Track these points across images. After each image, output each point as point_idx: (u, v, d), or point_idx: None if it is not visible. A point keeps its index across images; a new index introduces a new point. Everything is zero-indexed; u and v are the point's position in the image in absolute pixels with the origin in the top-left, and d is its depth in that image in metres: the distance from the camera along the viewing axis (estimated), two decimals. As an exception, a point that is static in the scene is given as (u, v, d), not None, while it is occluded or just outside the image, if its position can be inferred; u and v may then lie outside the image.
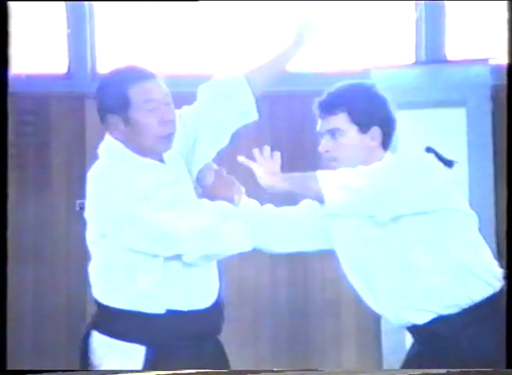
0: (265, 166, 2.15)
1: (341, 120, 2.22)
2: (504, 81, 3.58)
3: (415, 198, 2.12)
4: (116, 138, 2.17)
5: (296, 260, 3.82)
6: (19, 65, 3.84)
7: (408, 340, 3.60)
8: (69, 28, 3.92)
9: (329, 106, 2.24)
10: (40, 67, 3.91)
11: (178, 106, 2.24)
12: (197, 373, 2.10)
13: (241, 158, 2.16)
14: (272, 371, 2.32)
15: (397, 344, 3.60)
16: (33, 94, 3.81)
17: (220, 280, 2.23)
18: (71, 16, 3.91)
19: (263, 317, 3.81)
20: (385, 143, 2.24)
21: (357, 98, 2.23)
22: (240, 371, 2.20)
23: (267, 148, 2.20)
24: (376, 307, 2.28)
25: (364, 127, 2.21)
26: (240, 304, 3.67)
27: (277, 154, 2.18)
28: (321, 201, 2.11)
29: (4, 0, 2.26)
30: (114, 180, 2.12)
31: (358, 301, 3.83)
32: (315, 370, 2.25)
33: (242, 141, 3.81)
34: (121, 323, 2.14)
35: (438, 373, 2.08)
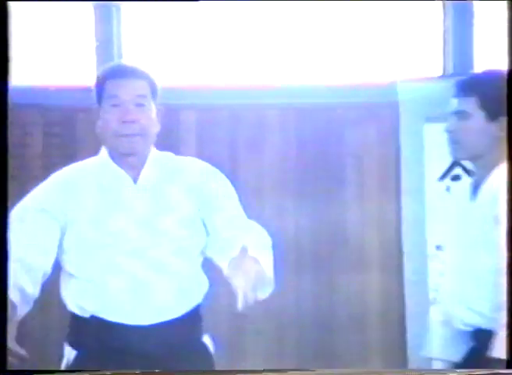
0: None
1: (470, 104, 2.18)
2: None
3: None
4: (97, 133, 2.20)
5: (322, 274, 3.80)
6: (49, 78, 3.88)
7: (434, 356, 3.56)
8: (97, 41, 3.94)
9: (463, 87, 2.21)
10: (68, 80, 3.94)
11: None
12: (196, 372, 2.09)
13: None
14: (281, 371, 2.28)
15: (423, 361, 3.56)
16: (60, 106, 3.84)
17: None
18: (99, 29, 3.94)
19: (288, 331, 3.79)
20: None
21: (491, 84, 2.18)
22: (240, 371, 2.15)
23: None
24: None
25: (492, 115, 2.17)
26: (264, 318, 3.66)
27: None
28: None
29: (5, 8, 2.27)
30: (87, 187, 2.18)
31: (384, 316, 3.83)
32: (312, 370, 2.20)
33: (268, 152, 3.83)
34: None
35: (437, 374, 2.06)
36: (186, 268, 2.16)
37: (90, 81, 3.90)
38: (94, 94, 2.20)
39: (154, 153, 2.21)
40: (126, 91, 2.14)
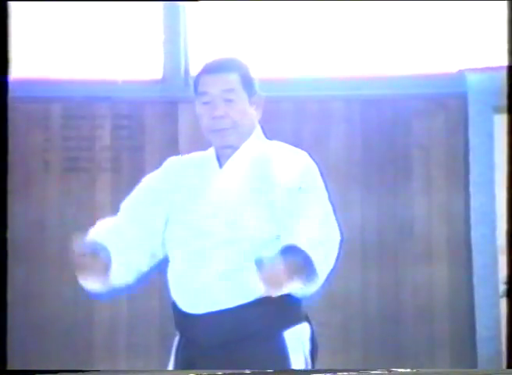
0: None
1: None
2: None
3: None
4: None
5: (387, 265, 3.77)
6: (118, 71, 3.94)
7: (505, 348, 3.50)
8: (164, 35, 3.99)
9: None
10: (136, 73, 4.00)
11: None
12: (197, 372, 2.08)
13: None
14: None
15: (493, 352, 3.52)
16: (128, 98, 3.90)
17: None
18: (166, 23, 3.99)
19: (353, 323, 3.78)
20: None
21: None
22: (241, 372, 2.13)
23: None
24: None
25: None
26: (330, 309, 3.66)
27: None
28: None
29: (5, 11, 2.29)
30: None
31: (452, 307, 3.79)
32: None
33: (333, 144, 3.82)
34: None
35: (437, 373, 2.03)
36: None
37: (158, 75, 3.99)
38: (192, 89, 2.25)
39: (250, 142, 2.21)
40: (215, 86, 2.17)
